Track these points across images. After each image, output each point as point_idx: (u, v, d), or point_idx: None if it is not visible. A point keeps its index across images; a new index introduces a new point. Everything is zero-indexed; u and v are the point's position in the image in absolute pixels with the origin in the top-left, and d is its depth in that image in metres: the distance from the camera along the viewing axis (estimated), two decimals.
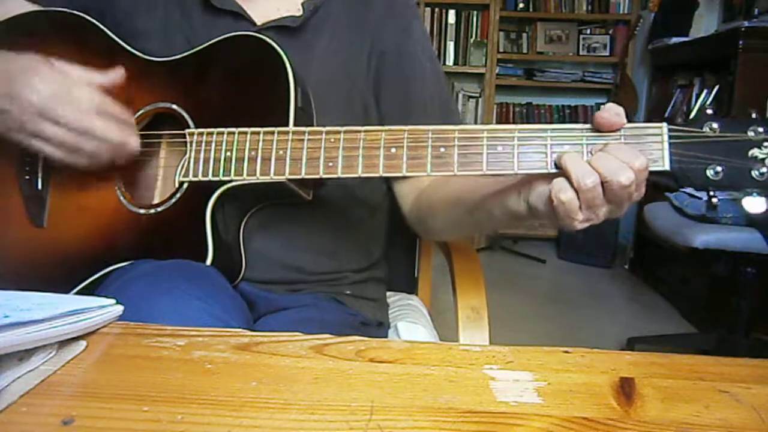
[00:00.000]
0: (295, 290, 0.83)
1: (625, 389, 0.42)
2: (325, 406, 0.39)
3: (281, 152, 0.66)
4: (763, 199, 0.57)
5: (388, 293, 1.04)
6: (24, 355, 0.42)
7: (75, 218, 0.76)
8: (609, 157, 0.55)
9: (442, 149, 0.62)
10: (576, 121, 3.84)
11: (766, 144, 0.57)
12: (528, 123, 3.62)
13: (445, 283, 0.99)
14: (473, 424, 0.38)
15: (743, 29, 2.26)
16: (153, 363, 0.44)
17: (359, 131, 0.64)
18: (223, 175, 0.69)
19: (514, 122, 3.89)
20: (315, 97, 0.75)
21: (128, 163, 0.73)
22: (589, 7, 3.79)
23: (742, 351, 1.87)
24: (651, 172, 0.57)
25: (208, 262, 0.70)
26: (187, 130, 0.72)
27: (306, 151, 0.66)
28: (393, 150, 0.63)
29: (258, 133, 0.68)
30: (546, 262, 3.41)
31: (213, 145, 0.70)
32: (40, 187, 0.76)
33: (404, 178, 0.87)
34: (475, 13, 3.74)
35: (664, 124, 0.58)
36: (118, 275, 0.69)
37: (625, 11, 3.72)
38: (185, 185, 0.72)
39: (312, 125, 0.73)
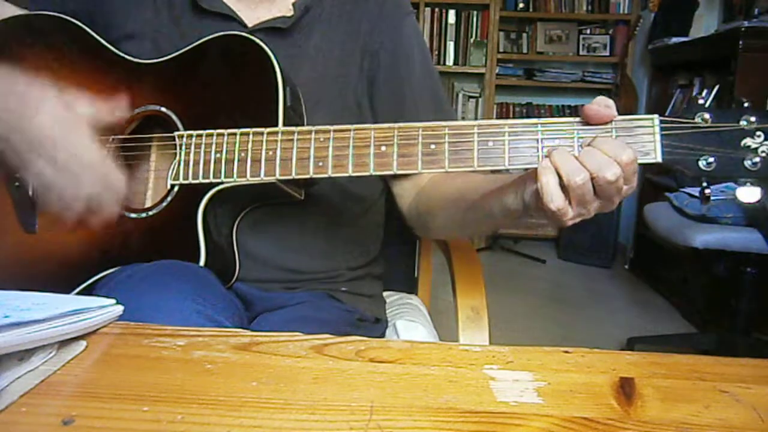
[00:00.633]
0: (291, 288, 0.83)
1: (625, 389, 0.42)
2: (325, 406, 0.39)
3: (271, 153, 0.66)
4: (757, 188, 0.57)
5: (388, 293, 1.04)
6: (24, 355, 0.42)
7: (66, 223, 0.75)
8: (596, 152, 0.55)
9: (433, 146, 0.61)
10: None
11: (758, 133, 0.56)
12: None
13: (445, 283, 0.99)
14: (473, 424, 0.38)
15: (743, 29, 2.26)
16: (153, 363, 0.44)
17: (349, 129, 0.64)
18: (214, 177, 0.69)
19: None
20: (307, 96, 0.75)
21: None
22: (589, 7, 3.79)
23: (742, 351, 1.87)
24: (643, 165, 0.57)
25: (201, 264, 0.70)
26: (176, 133, 0.72)
27: (296, 151, 0.66)
28: (383, 148, 0.63)
29: (247, 134, 0.68)
30: (546, 262, 3.41)
31: (202, 147, 0.70)
32: (31, 192, 0.76)
33: (404, 176, 0.87)
34: (475, 13, 3.74)
35: (656, 116, 0.58)
36: (111, 276, 0.69)
37: (625, 11, 3.72)
38: (176, 188, 0.72)
39: (302, 124, 0.73)
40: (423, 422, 0.38)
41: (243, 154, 0.67)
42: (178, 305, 0.60)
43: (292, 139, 0.66)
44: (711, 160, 0.57)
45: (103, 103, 0.70)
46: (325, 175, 0.65)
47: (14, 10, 0.83)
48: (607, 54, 3.77)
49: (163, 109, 0.74)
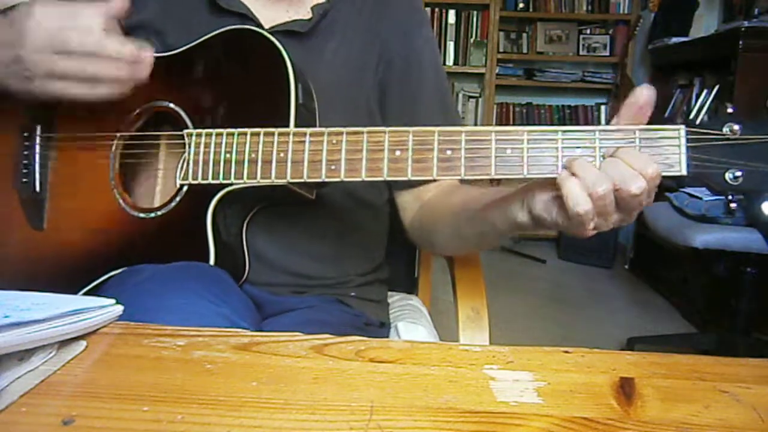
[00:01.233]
0: (300, 292, 0.83)
1: (625, 389, 0.42)
2: (325, 406, 0.39)
3: (282, 154, 0.65)
4: None
5: (389, 293, 1.04)
6: (24, 355, 0.42)
7: (74, 221, 0.75)
8: (621, 164, 0.53)
9: (449, 152, 0.59)
10: (576, 122, 3.85)
11: None
12: (528, 123, 3.62)
13: (445, 283, 0.99)
14: (473, 424, 0.38)
15: (743, 29, 2.26)
16: (153, 363, 0.44)
17: (362, 132, 0.63)
18: (224, 178, 0.67)
19: (514, 122, 3.89)
20: (320, 101, 0.74)
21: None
22: (589, 7, 3.79)
23: (742, 351, 1.87)
24: (666, 177, 0.55)
25: (211, 264, 0.70)
26: (185, 131, 0.71)
27: (308, 154, 0.64)
28: (398, 153, 0.61)
29: (258, 134, 0.66)
30: (546, 262, 3.41)
31: (212, 146, 0.68)
32: (38, 189, 0.76)
33: (407, 187, 0.86)
34: (475, 13, 3.74)
35: (682, 127, 0.55)
36: (126, 276, 0.68)
37: (625, 11, 3.72)
38: (185, 187, 0.71)
39: (315, 122, 0.72)
40: (423, 422, 0.38)
41: (253, 155, 0.66)
42: (198, 307, 0.60)
43: (304, 141, 0.64)
44: (738, 173, 0.54)
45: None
46: (338, 179, 0.63)
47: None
48: (607, 54, 3.77)
49: (172, 105, 0.73)
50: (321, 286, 0.84)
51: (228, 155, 0.67)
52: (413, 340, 0.61)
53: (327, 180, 0.64)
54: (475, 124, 3.52)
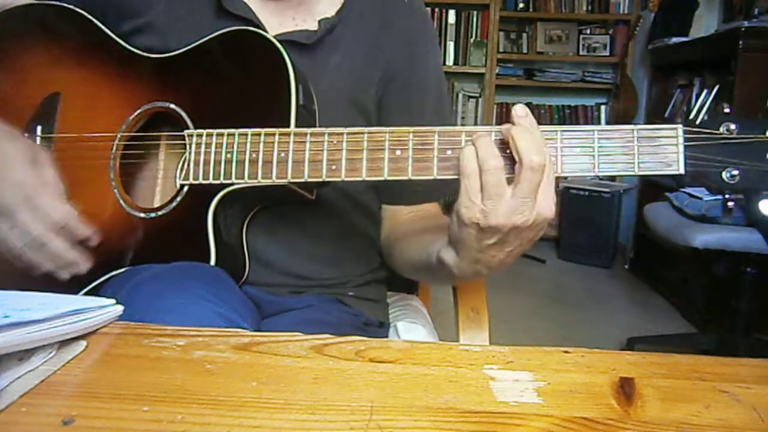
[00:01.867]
0: (298, 292, 0.83)
1: (625, 389, 0.42)
2: (325, 406, 0.39)
3: (283, 154, 0.65)
4: None
5: (388, 293, 1.04)
6: (24, 355, 0.42)
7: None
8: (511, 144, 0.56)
9: (449, 152, 0.60)
10: (576, 122, 3.85)
11: None
12: None
13: None
14: (473, 424, 0.38)
15: (743, 29, 2.26)
16: (153, 363, 0.44)
17: (362, 132, 0.63)
18: (224, 179, 0.67)
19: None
20: (321, 110, 0.74)
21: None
22: (589, 7, 3.79)
23: (742, 351, 1.87)
24: (664, 176, 0.56)
25: (212, 264, 0.70)
26: (186, 132, 0.71)
27: (308, 153, 0.64)
28: (398, 152, 0.61)
29: (258, 134, 0.66)
30: (546, 262, 3.41)
31: (213, 147, 0.68)
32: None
33: (389, 202, 0.88)
34: (475, 13, 3.74)
35: (679, 126, 0.56)
36: (126, 277, 0.68)
37: (625, 11, 3.72)
38: (185, 188, 0.71)
39: (315, 124, 0.72)
40: (423, 422, 0.38)
41: (254, 155, 0.66)
42: (199, 307, 0.60)
43: (305, 141, 0.64)
44: (735, 172, 0.55)
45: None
46: (338, 179, 0.63)
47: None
48: (607, 54, 3.77)
49: (172, 106, 0.73)
50: (320, 286, 0.84)
51: (229, 155, 0.67)
52: (413, 340, 0.61)
53: (328, 180, 0.64)
54: (475, 125, 3.52)
